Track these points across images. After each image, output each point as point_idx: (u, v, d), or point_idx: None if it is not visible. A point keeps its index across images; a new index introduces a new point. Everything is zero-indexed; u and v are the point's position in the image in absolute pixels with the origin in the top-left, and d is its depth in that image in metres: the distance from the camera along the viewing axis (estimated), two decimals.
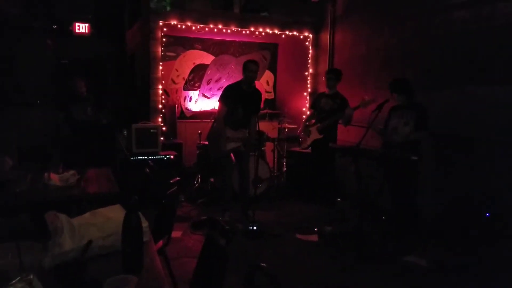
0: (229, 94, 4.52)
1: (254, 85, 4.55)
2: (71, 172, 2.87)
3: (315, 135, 5.06)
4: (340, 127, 5.11)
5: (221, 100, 4.56)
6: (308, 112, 5.86)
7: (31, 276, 1.19)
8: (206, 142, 5.71)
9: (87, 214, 1.81)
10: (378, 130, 4.22)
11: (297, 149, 6.05)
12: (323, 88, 5.34)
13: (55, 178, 2.72)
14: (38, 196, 2.55)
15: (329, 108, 4.99)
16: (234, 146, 4.54)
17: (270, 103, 7.50)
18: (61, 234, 1.53)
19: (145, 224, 1.71)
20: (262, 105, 5.07)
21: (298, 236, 4.29)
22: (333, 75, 5.07)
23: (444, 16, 4.23)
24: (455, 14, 4.11)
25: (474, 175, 3.85)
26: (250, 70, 4.41)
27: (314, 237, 4.25)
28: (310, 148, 5.24)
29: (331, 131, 5.02)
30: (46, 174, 2.72)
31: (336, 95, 5.04)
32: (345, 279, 3.33)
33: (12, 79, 6.11)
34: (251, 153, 4.87)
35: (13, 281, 1.15)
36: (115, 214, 1.78)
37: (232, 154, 4.70)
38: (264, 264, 1.66)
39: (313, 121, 5.20)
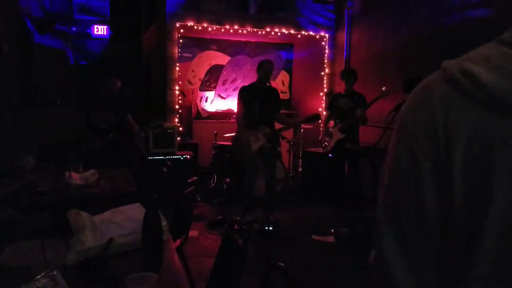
0: (245, 94, 4.55)
1: (270, 84, 4.56)
2: (91, 171, 2.92)
3: (337, 135, 5.01)
4: (362, 127, 5.08)
5: (238, 100, 4.60)
6: (325, 113, 5.84)
7: (55, 272, 1.22)
8: (222, 143, 5.76)
9: (107, 213, 1.84)
10: None
11: (313, 149, 6.03)
12: (339, 88, 5.32)
13: (75, 177, 2.78)
14: (59, 194, 2.61)
15: (348, 107, 4.97)
16: (260, 144, 4.52)
17: (285, 103, 7.49)
18: (83, 232, 1.56)
19: (164, 223, 1.73)
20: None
21: (314, 237, 4.27)
22: (355, 77, 5.04)
23: (462, 14, 4.17)
24: (473, 13, 4.04)
25: None
26: (265, 69, 4.44)
27: (330, 239, 4.23)
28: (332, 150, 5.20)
29: (353, 130, 4.99)
30: (67, 174, 2.78)
31: (353, 93, 5.03)
32: (361, 280, 3.30)
33: (33, 80, 6.24)
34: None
35: (38, 277, 1.18)
36: (135, 212, 1.81)
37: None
38: (282, 264, 1.67)
39: (332, 122, 5.17)
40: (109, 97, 4.29)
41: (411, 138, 0.61)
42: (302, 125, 6.12)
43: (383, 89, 4.45)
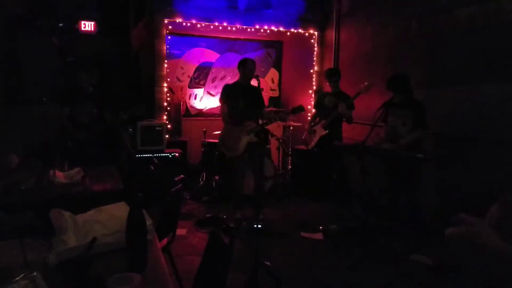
0: (228, 92, 4.53)
1: (259, 83, 4.51)
2: (76, 169, 2.87)
3: (320, 132, 5.03)
4: (345, 125, 5.10)
5: (221, 99, 4.58)
6: (314, 110, 5.84)
7: (35, 274, 1.19)
8: (212, 140, 5.74)
9: (91, 211, 1.81)
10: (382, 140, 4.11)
11: (303, 147, 6.03)
12: (328, 86, 5.32)
13: (60, 176, 2.73)
14: (43, 193, 2.56)
15: (333, 105, 4.98)
16: (247, 140, 4.49)
17: (275, 100, 7.48)
18: (66, 231, 1.53)
19: (149, 221, 1.70)
20: (266, 103, 5.00)
21: (303, 234, 4.28)
22: (338, 76, 5.07)
23: (450, 13, 4.19)
24: (461, 11, 4.07)
25: (479, 174, 3.81)
26: (248, 68, 4.43)
27: (318, 236, 4.24)
28: (315, 147, 5.21)
29: (336, 127, 5.00)
30: (51, 172, 2.73)
31: (339, 92, 5.05)
32: (350, 278, 3.32)
33: (18, 77, 6.13)
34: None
35: (17, 278, 1.16)
36: (119, 211, 1.78)
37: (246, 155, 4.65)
38: (268, 263, 1.66)
39: (317, 120, 5.19)
40: (89, 90, 4.34)
41: None
42: (292, 123, 6.11)
43: (365, 83, 4.50)
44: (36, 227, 1.82)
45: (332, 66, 6.10)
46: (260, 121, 4.29)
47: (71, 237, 1.53)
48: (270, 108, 6.47)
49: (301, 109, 4.51)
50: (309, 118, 6.48)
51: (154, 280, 1.45)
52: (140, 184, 4.77)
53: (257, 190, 4.63)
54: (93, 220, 1.68)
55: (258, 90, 4.62)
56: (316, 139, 5.09)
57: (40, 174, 2.77)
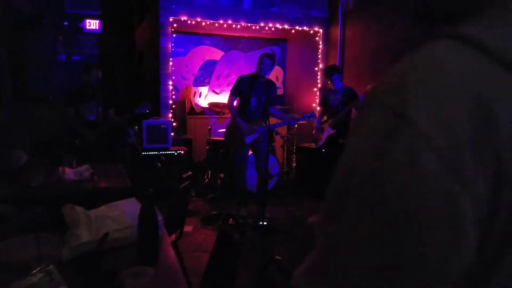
0: (243, 83, 4.52)
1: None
2: (85, 166, 2.89)
3: (328, 131, 5.04)
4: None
5: (231, 90, 4.57)
6: (318, 108, 5.86)
7: (51, 267, 1.21)
8: (216, 138, 5.75)
9: (103, 207, 1.83)
10: None
11: (307, 144, 6.04)
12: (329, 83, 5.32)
13: (69, 172, 2.75)
14: (53, 190, 2.58)
15: (338, 102, 4.99)
16: (253, 138, 4.50)
17: (279, 98, 7.48)
18: (78, 226, 1.55)
19: (159, 217, 1.72)
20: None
21: (310, 220, 4.28)
22: (338, 72, 5.08)
23: None
24: None
25: None
26: (264, 63, 4.39)
27: None
28: (324, 146, 5.22)
29: (344, 126, 5.01)
30: (60, 169, 2.75)
31: (342, 88, 5.05)
32: None
33: (24, 75, 6.17)
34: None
35: (34, 271, 1.17)
36: (130, 207, 1.80)
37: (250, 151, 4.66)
38: (279, 258, 1.68)
39: (325, 117, 5.19)
40: (92, 88, 4.36)
41: (448, 157, 0.38)
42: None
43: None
44: (46, 223, 1.85)
45: (338, 64, 6.09)
46: (270, 120, 4.31)
47: (83, 232, 1.54)
48: (277, 106, 6.48)
49: (313, 116, 4.58)
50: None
51: (165, 274, 1.47)
52: (147, 182, 4.80)
53: (261, 187, 4.64)
54: (104, 215, 1.70)
55: (272, 85, 4.61)
56: (324, 137, 5.10)
57: (49, 171, 2.80)
